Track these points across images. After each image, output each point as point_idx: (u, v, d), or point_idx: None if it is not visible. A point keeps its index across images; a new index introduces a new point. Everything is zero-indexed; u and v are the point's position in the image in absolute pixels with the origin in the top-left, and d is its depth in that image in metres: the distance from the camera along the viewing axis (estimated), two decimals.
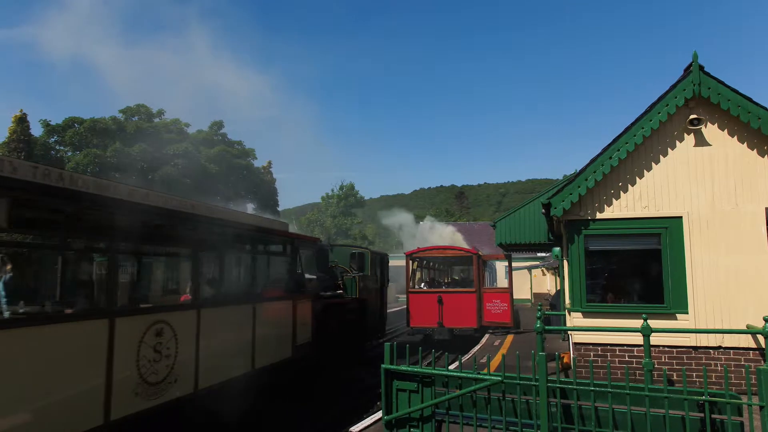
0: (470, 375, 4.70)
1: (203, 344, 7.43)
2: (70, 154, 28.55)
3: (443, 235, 36.73)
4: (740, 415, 3.92)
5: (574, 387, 4.37)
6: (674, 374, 8.37)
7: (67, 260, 7.08)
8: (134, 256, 8.31)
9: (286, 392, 10.35)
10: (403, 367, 4.94)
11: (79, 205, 5.64)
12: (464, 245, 27.28)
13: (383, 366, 5.01)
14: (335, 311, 12.96)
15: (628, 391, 4.15)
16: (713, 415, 3.93)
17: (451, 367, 6.69)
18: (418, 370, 4.89)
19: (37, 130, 26.61)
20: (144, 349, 6.30)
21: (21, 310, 5.85)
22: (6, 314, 5.79)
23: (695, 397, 3.94)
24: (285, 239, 10.64)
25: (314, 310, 11.47)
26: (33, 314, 5.78)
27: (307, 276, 11.48)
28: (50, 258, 6.72)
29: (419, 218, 50.79)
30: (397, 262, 26.41)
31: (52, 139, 28.53)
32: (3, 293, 5.97)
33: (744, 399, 3.95)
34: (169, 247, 8.40)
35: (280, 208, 40.38)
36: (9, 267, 6.10)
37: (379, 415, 7.19)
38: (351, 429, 7.42)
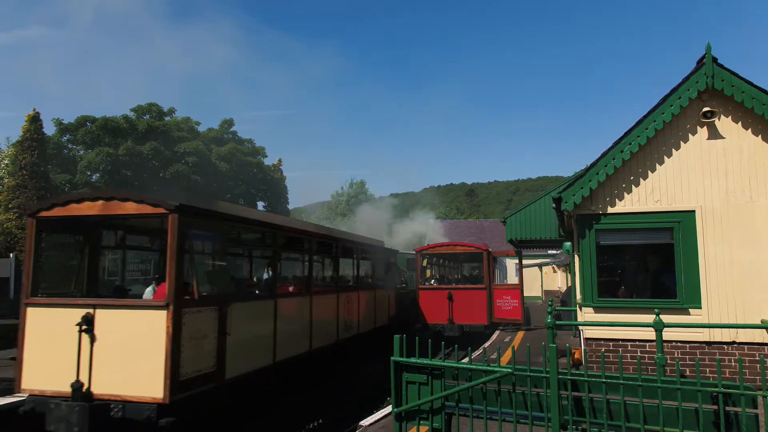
0: (480, 367, 4.67)
1: (360, 311, 14.64)
2: (82, 152, 28.81)
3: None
4: (755, 408, 3.86)
5: (585, 379, 4.33)
6: (687, 370, 8.27)
7: (323, 267, 14.12)
8: (347, 265, 15.11)
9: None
10: (413, 360, 4.92)
11: (344, 245, 14.12)
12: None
13: (393, 358, 4.99)
14: (404, 298, 19.67)
15: (640, 383, 4.10)
16: (727, 408, 3.87)
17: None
18: (428, 362, 4.87)
19: (49, 129, 26.89)
20: (346, 308, 13.44)
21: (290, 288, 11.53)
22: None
23: (709, 389, 3.88)
24: (384, 251, 18.10)
25: (396, 297, 18.88)
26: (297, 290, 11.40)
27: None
28: (305, 264, 11.78)
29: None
30: None
31: (65, 138, 28.80)
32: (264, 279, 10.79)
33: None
34: (353, 259, 15.33)
35: (290, 206, 40.46)
36: (268, 269, 10.58)
37: (389, 409, 7.18)
38: (361, 423, 7.42)
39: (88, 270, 8.92)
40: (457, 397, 4.79)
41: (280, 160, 39.77)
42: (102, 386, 6.95)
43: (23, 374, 7.37)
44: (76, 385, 6.81)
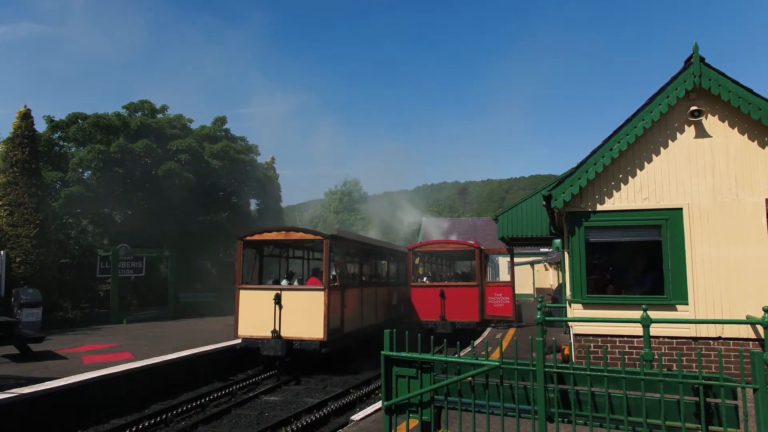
0: (469, 361, 4.75)
1: (400, 300, 19.21)
2: (73, 149, 28.62)
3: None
4: (735, 399, 3.95)
5: (571, 372, 4.41)
6: (674, 365, 8.40)
7: (382, 267, 19.49)
8: (392, 266, 20.42)
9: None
10: (403, 354, 4.98)
11: (387, 253, 20.04)
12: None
13: (383, 353, 5.05)
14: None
15: (623, 375, 4.19)
16: (708, 399, 3.96)
17: None
18: (417, 356, 4.93)
19: (41, 126, 26.68)
20: (393, 297, 18.78)
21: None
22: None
23: (690, 381, 3.98)
24: (403, 252, 20.81)
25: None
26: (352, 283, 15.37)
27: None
28: (372, 265, 17.50)
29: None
30: None
31: (56, 135, 28.59)
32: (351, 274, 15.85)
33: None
34: (395, 262, 20.70)
35: (283, 204, 40.39)
36: (339, 272, 13.81)
37: (379, 404, 7.25)
38: (352, 417, 7.48)
39: (259, 269, 14.61)
40: (446, 391, 4.86)
41: (273, 158, 39.69)
42: (287, 332, 12.57)
43: (239, 327, 12.97)
44: (274, 332, 12.53)
